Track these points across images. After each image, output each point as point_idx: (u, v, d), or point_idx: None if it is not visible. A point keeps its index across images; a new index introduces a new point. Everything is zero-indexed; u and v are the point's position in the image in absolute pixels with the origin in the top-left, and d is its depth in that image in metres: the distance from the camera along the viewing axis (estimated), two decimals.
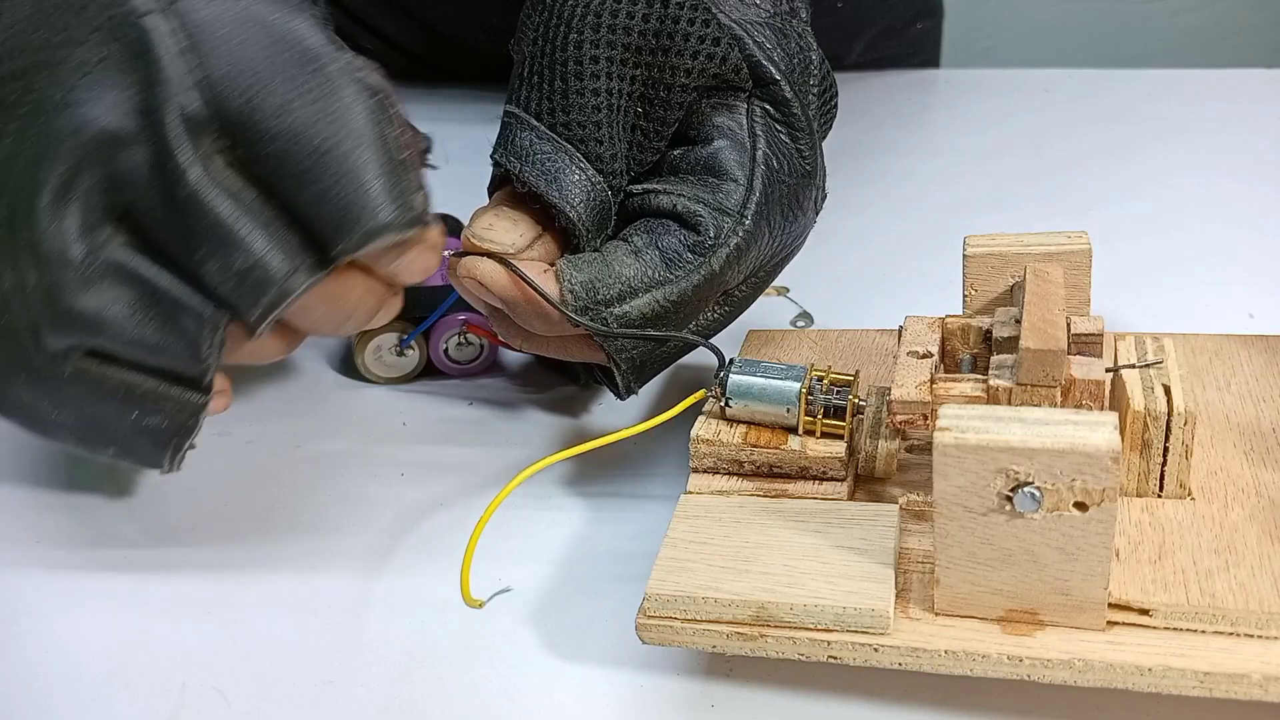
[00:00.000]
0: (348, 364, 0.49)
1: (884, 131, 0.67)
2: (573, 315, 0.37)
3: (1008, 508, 0.29)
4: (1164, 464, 0.34)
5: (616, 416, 0.45)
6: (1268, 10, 1.03)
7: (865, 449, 0.36)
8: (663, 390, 0.47)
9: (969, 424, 0.30)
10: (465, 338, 0.47)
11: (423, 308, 0.46)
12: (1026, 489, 0.29)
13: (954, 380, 0.34)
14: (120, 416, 0.33)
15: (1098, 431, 0.29)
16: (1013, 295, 0.40)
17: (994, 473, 0.29)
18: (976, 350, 0.37)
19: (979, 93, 0.72)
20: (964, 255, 0.40)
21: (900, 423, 0.34)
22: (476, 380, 0.48)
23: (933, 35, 0.77)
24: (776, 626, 0.32)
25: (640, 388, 0.40)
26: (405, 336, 0.46)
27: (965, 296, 0.40)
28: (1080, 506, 0.29)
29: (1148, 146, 0.65)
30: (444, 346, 0.47)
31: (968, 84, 0.73)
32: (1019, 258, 0.40)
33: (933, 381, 0.34)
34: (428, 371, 0.48)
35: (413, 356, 0.47)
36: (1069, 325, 0.35)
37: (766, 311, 0.52)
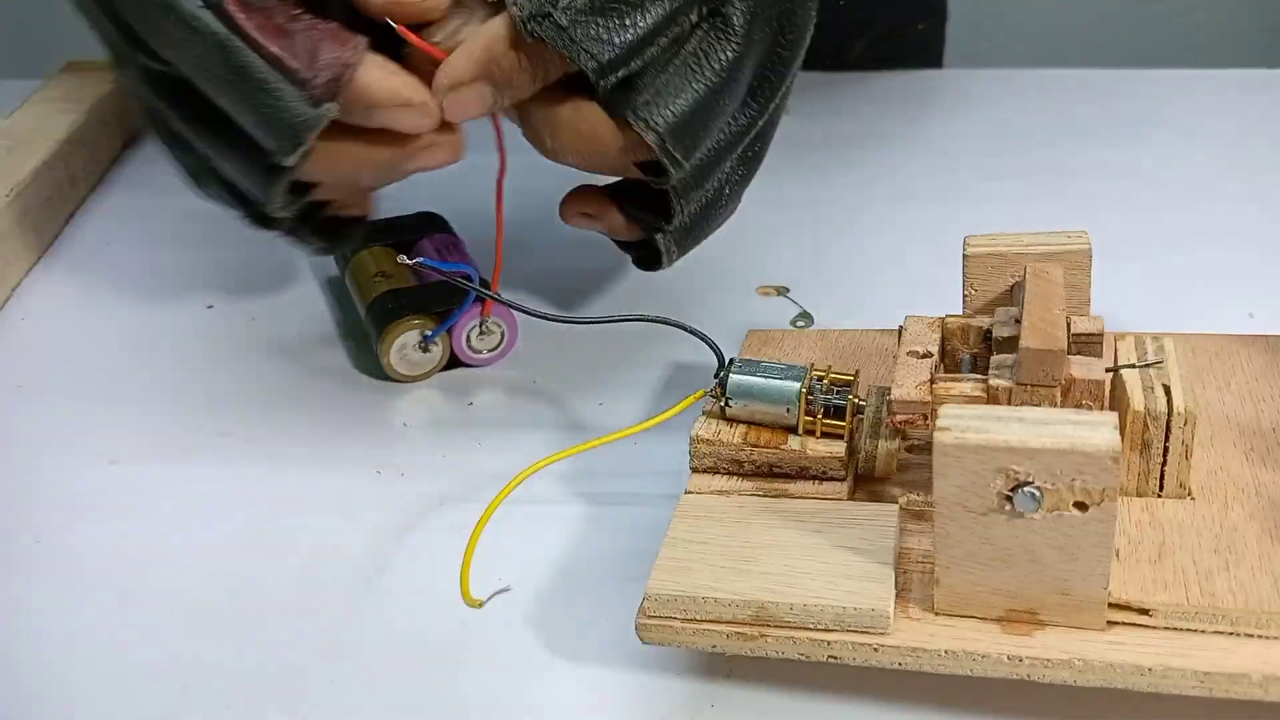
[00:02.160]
0: (357, 362, 0.49)
1: (886, 131, 0.67)
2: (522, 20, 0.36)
3: (1008, 508, 0.29)
4: (1164, 464, 0.34)
5: (616, 418, 0.45)
6: (1268, 10, 1.03)
7: (865, 449, 0.36)
8: (662, 390, 0.47)
9: (969, 424, 0.30)
10: (485, 325, 0.47)
11: (442, 302, 0.46)
12: (1026, 489, 0.29)
13: (954, 380, 0.34)
14: (250, 94, 0.37)
15: (1098, 432, 0.29)
16: (1013, 295, 0.40)
17: (994, 472, 0.29)
18: (976, 350, 0.37)
19: (981, 93, 0.71)
20: (964, 255, 0.40)
21: (900, 423, 0.34)
22: (477, 381, 0.48)
23: (936, 35, 0.77)
24: (777, 626, 0.32)
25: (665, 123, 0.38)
26: (428, 334, 0.46)
27: (965, 296, 0.40)
28: (1080, 506, 0.29)
29: (1148, 146, 0.65)
30: (466, 337, 0.47)
31: (970, 84, 0.73)
32: (1019, 257, 0.40)
33: (933, 381, 0.34)
34: (450, 364, 0.48)
35: (435, 352, 0.47)
36: (1069, 325, 0.35)
37: (766, 312, 0.52)
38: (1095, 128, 0.67)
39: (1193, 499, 0.34)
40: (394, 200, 0.49)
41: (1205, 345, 0.41)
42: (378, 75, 0.37)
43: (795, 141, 0.62)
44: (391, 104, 0.37)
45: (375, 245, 0.50)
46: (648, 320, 0.40)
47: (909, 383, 0.34)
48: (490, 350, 0.48)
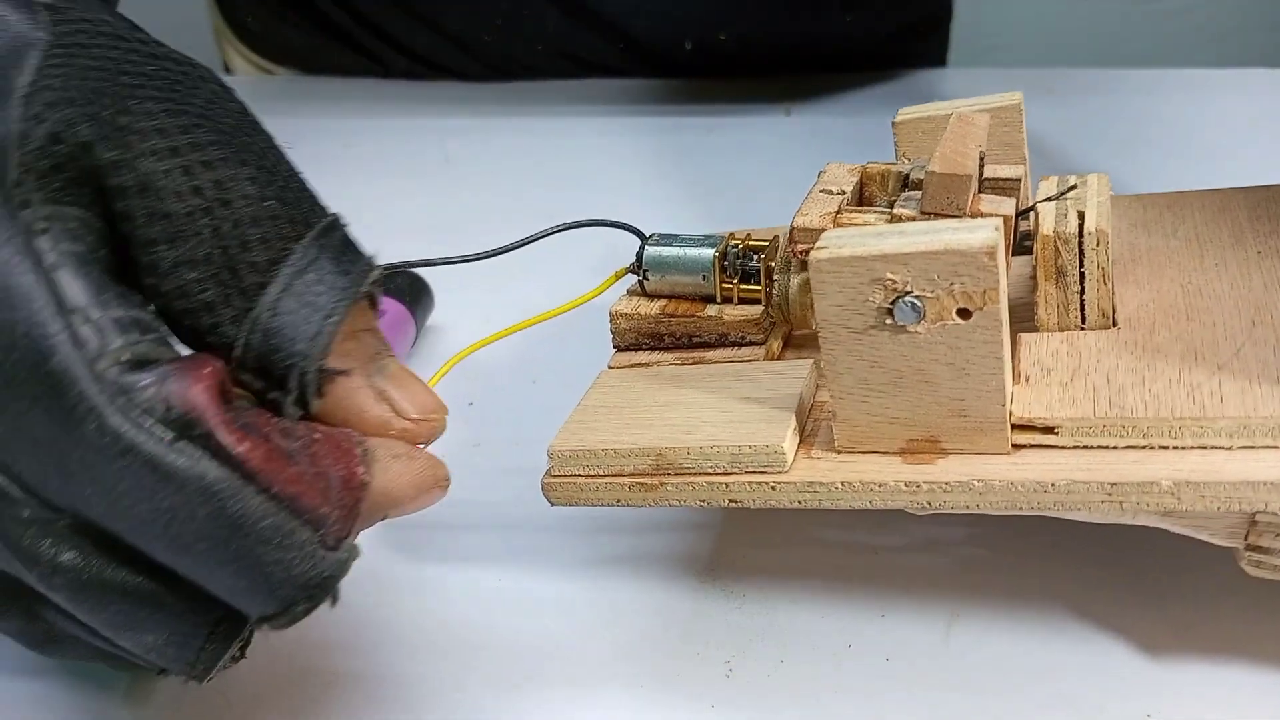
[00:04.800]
0: None
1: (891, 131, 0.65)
2: None
3: (889, 321, 0.28)
4: (1082, 292, 0.32)
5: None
6: (1268, 10, 0.99)
7: (778, 287, 0.35)
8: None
9: (847, 240, 0.29)
10: None
11: None
12: (906, 299, 0.28)
13: (859, 211, 0.33)
14: (245, 551, 0.26)
15: (976, 232, 0.27)
16: None
17: (870, 284, 0.28)
18: (895, 197, 0.36)
19: (986, 92, 0.69)
20: (893, 124, 0.39)
21: (801, 252, 0.33)
22: (477, 380, 0.44)
23: (941, 35, 0.76)
24: (676, 474, 0.31)
25: None
26: None
27: None
28: (964, 314, 0.28)
29: (1148, 146, 0.62)
30: None
31: (974, 83, 0.71)
32: (947, 119, 0.38)
33: (838, 212, 0.33)
34: None
35: None
36: (982, 163, 0.34)
37: None
38: (1095, 127, 0.65)
39: (1117, 328, 0.32)
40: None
41: (1158, 201, 0.39)
42: (396, 471, 0.27)
43: (798, 142, 0.62)
44: (417, 496, 0.28)
45: None
46: (566, 228, 0.38)
47: (813, 213, 0.33)
48: None
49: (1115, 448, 0.28)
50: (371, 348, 0.28)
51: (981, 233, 0.27)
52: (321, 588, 0.25)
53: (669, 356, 0.36)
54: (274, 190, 0.26)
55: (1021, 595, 0.34)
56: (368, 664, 0.34)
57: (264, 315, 0.26)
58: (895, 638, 0.33)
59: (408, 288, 0.46)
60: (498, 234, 0.36)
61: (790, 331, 0.37)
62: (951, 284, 0.27)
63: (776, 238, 0.36)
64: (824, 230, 0.32)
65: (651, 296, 0.37)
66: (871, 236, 0.29)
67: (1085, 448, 0.29)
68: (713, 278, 0.36)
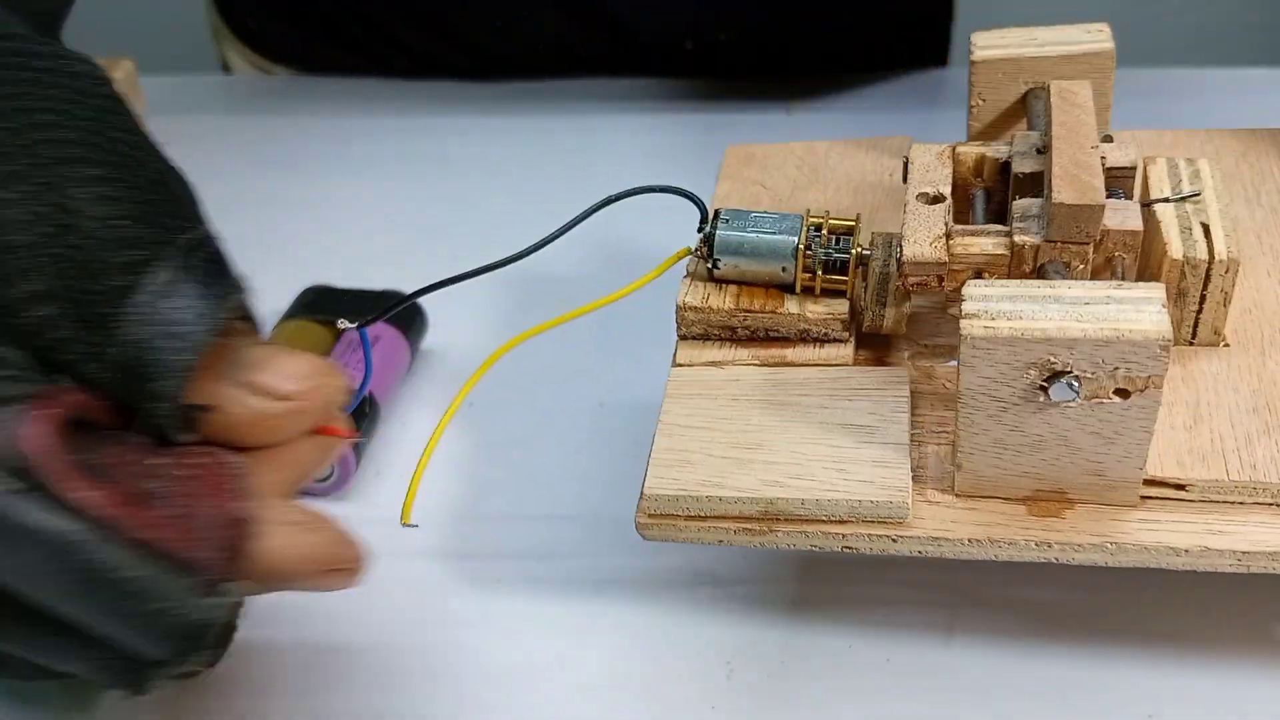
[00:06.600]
0: None
1: (891, 131, 0.59)
2: None
3: (1042, 399, 0.27)
4: (1199, 311, 0.31)
5: (617, 416, 0.40)
6: (1268, 10, 0.94)
7: (872, 312, 0.32)
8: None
9: (999, 307, 0.26)
10: None
11: None
12: (1064, 379, 0.26)
13: (972, 235, 0.30)
14: (108, 604, 0.25)
15: (1145, 313, 0.26)
16: (1026, 105, 0.36)
17: (1028, 365, 0.26)
18: (991, 184, 0.33)
19: None
20: (971, 61, 0.35)
21: (912, 285, 0.31)
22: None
23: (941, 35, 0.69)
24: (787, 521, 0.30)
25: None
26: None
27: (971, 108, 0.36)
28: (1122, 394, 0.26)
29: None
30: None
31: None
32: (1033, 63, 0.35)
33: (949, 236, 0.30)
34: None
35: None
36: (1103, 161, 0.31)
37: None
38: None
39: (1227, 346, 0.31)
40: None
41: (1231, 145, 0.37)
42: (283, 539, 0.25)
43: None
44: (312, 574, 0.26)
45: (308, 317, 0.42)
46: (611, 201, 0.34)
47: (922, 238, 0.31)
48: (318, 482, 0.38)
49: (1243, 503, 0.28)
50: (233, 360, 0.25)
51: (1152, 316, 0.26)
52: (193, 636, 0.24)
53: (744, 353, 0.34)
54: (129, 207, 0.24)
55: (1022, 596, 0.34)
56: (367, 666, 0.33)
57: (118, 351, 0.23)
58: (895, 638, 0.33)
59: (401, 311, 0.42)
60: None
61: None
62: (1116, 369, 0.26)
63: (859, 218, 0.33)
64: (938, 262, 0.30)
65: (718, 282, 0.34)
66: (1026, 303, 0.26)
67: (1212, 502, 0.29)
68: (794, 268, 0.33)
